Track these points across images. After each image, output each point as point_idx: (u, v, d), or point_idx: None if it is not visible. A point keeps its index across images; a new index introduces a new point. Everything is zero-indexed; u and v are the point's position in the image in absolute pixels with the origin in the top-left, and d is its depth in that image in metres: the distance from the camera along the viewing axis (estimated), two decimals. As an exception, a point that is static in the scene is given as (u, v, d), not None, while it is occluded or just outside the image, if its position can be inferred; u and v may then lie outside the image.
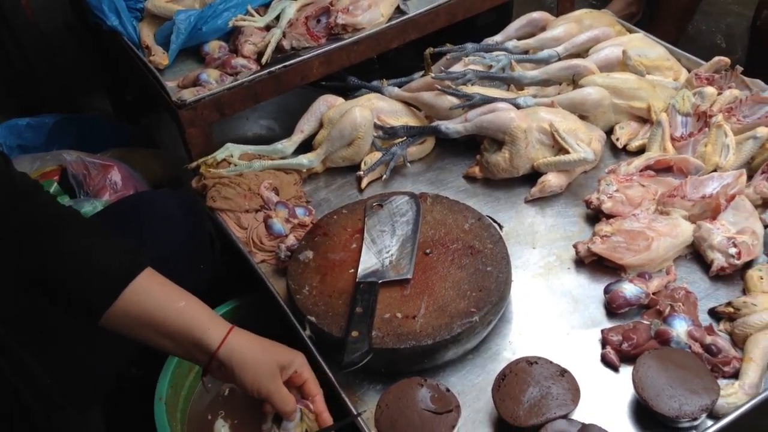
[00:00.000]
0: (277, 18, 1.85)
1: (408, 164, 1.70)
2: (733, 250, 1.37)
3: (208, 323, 1.14)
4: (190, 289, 1.18)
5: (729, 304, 1.31)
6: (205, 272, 1.46)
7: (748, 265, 1.39)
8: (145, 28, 1.87)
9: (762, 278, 1.34)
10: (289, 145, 1.71)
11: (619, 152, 1.70)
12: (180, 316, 1.12)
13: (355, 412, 1.21)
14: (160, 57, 1.79)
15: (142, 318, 1.11)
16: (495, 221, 1.51)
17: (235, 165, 1.64)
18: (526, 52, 1.86)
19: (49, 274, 1.08)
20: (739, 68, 1.71)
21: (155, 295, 1.12)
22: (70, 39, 2.48)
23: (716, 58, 1.74)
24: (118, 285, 1.10)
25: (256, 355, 1.14)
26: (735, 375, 1.23)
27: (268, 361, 1.14)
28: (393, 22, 1.85)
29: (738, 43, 2.95)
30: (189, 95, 1.65)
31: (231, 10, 1.84)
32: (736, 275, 1.39)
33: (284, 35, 1.81)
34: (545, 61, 1.79)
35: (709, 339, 1.26)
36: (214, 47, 1.83)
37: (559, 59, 1.79)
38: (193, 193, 1.63)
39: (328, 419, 1.18)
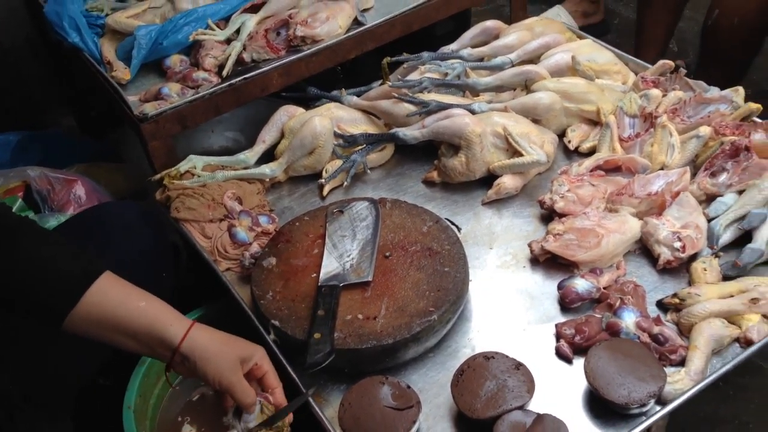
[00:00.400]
0: (238, 31, 1.89)
1: (368, 171, 1.75)
2: (678, 244, 1.43)
3: (169, 320, 1.18)
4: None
5: (675, 295, 1.38)
6: (168, 281, 1.49)
7: (694, 257, 1.45)
8: (106, 44, 1.90)
9: (706, 270, 1.41)
10: (251, 155, 1.75)
11: (571, 154, 1.76)
12: (142, 315, 1.16)
13: (305, 391, 1.25)
14: (121, 72, 1.82)
15: (105, 319, 1.15)
16: (453, 224, 1.56)
17: (199, 176, 1.67)
18: (480, 60, 1.92)
19: (8, 281, 1.11)
20: (683, 71, 1.78)
21: (116, 296, 1.16)
22: (32, 55, 2.49)
23: (661, 62, 1.82)
24: (79, 288, 1.14)
25: (218, 348, 1.18)
26: (682, 363, 1.29)
27: (229, 353, 1.18)
28: (351, 33, 1.90)
29: (689, 46, 3.04)
30: (151, 109, 1.68)
31: (191, 24, 1.87)
32: (682, 268, 1.46)
33: (244, 48, 1.85)
34: (499, 68, 1.85)
35: (656, 329, 1.32)
36: (176, 61, 1.86)
37: (512, 66, 1.85)
38: (155, 203, 1.66)
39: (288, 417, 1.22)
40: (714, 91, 1.73)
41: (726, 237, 1.47)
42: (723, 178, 1.55)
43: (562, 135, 1.78)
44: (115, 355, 1.42)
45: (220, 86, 1.76)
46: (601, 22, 3.16)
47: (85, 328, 1.16)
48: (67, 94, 2.53)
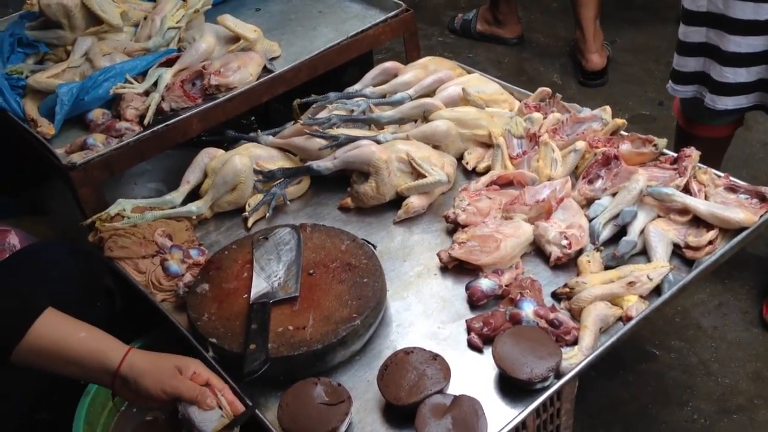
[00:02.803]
0: (155, 84, 2.03)
1: (288, 202, 1.89)
2: (565, 242, 1.64)
3: (108, 347, 1.30)
4: None
5: (565, 285, 1.57)
6: (102, 311, 1.59)
7: (579, 253, 1.65)
8: (28, 103, 2.01)
9: (590, 262, 1.61)
10: (177, 195, 1.87)
11: (470, 174, 1.96)
12: (83, 345, 1.28)
13: (249, 404, 1.35)
14: (46, 127, 1.93)
15: (50, 350, 1.26)
16: (369, 243, 1.72)
17: (128, 217, 1.78)
18: (382, 96, 2.11)
19: None
20: (559, 96, 2.03)
21: (60, 329, 1.28)
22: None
23: (540, 89, 2.06)
24: (25, 323, 1.25)
25: (153, 363, 1.30)
26: (575, 342, 1.48)
27: (164, 364, 1.30)
28: (261, 79, 2.07)
29: (571, 79, 3.36)
30: (78, 158, 1.79)
31: (111, 79, 2.00)
32: (571, 264, 1.66)
33: (163, 98, 1.99)
34: (399, 103, 2.04)
35: (552, 315, 1.51)
36: (98, 115, 1.98)
37: (411, 100, 2.05)
38: (84, 241, 1.75)
39: (240, 406, 1.32)
40: (586, 112, 1.98)
41: (605, 233, 1.68)
42: (599, 183, 1.78)
43: (460, 158, 1.98)
44: (52, 389, 1.51)
45: (143, 134, 1.89)
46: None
47: (31, 360, 1.27)
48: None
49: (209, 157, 1.91)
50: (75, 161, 1.78)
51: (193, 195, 1.90)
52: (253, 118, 2.35)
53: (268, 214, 1.86)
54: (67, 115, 1.95)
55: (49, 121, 1.95)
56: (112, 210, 1.78)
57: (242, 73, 2.06)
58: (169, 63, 2.10)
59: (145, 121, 1.94)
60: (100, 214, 1.77)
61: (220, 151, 1.93)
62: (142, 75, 2.07)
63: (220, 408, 1.29)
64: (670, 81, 2.17)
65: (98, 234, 1.74)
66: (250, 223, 1.85)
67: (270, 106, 2.33)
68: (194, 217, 1.86)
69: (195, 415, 1.27)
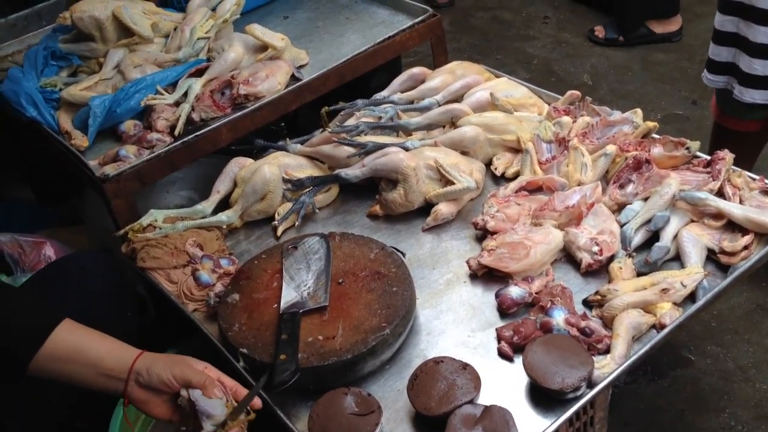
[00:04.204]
0: (185, 94, 2.05)
1: (317, 211, 1.90)
2: (596, 248, 1.62)
3: (123, 349, 1.33)
4: (120, 336, 1.36)
5: (597, 292, 1.56)
6: (134, 320, 1.61)
7: (611, 259, 1.63)
8: (62, 116, 2.04)
9: (621, 268, 1.59)
10: (207, 205, 1.89)
11: (498, 179, 1.94)
12: (102, 346, 1.31)
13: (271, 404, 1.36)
14: (80, 140, 1.96)
15: (67, 355, 1.29)
16: (398, 250, 1.72)
17: (160, 228, 1.80)
18: (410, 102, 2.11)
19: None
20: (588, 98, 2.01)
21: (76, 336, 1.31)
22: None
23: (569, 92, 2.04)
24: (41, 336, 1.28)
25: (165, 356, 1.33)
26: (608, 350, 1.46)
27: (175, 356, 1.33)
28: (289, 88, 2.09)
29: (602, 80, 3.33)
30: (111, 170, 1.82)
31: (142, 91, 2.03)
32: (602, 271, 1.64)
33: (193, 109, 2.02)
34: (427, 109, 2.04)
35: (583, 323, 1.49)
36: (130, 126, 2.01)
37: (439, 105, 2.04)
38: (115, 251, 1.78)
39: (256, 402, 1.33)
40: (617, 115, 1.95)
41: (637, 239, 1.66)
42: (630, 188, 1.76)
43: (489, 164, 1.97)
44: (90, 398, 1.54)
45: (173, 144, 1.91)
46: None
47: (48, 368, 1.29)
48: (22, 168, 2.63)
49: (239, 166, 1.92)
50: (108, 173, 1.81)
51: (224, 204, 1.92)
52: (282, 124, 2.36)
53: (297, 223, 1.87)
54: (99, 127, 1.99)
55: (83, 134, 1.99)
56: (144, 221, 1.81)
57: (270, 82, 2.07)
58: (198, 73, 2.12)
59: (176, 132, 1.96)
60: (132, 225, 1.80)
61: (250, 161, 1.95)
62: (173, 86, 2.10)
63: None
64: (705, 70, 2.14)
65: (131, 245, 1.76)
66: (279, 232, 1.86)
67: (299, 112, 2.34)
68: (224, 227, 1.88)
69: (200, 399, 1.27)
